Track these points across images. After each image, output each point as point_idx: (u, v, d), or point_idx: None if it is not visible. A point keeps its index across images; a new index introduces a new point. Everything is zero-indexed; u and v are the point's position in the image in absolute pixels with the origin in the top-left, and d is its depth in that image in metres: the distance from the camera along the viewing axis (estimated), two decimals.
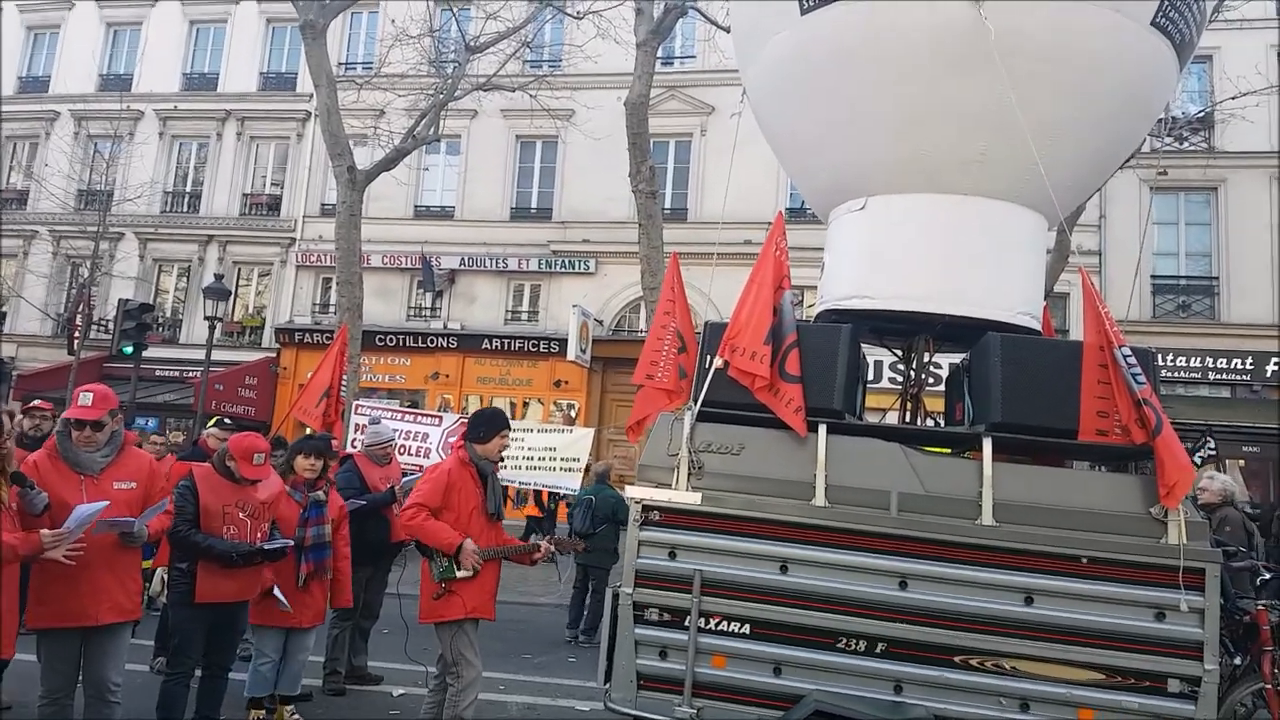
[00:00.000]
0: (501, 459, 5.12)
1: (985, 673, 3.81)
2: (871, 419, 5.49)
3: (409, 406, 16.67)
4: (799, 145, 5.16)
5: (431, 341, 20.48)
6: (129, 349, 16.36)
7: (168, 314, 22.31)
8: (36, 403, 6.24)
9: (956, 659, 3.84)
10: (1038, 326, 4.81)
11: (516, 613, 10.01)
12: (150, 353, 17.78)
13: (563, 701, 6.64)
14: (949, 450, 4.77)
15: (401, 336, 20.55)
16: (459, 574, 4.68)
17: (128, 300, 17.39)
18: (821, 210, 5.27)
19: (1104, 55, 4.42)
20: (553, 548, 5.16)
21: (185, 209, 22.86)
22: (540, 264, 20.42)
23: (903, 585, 3.93)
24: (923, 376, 5.23)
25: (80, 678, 4.32)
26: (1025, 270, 4.83)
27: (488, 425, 4.98)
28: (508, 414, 5.48)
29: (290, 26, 21.34)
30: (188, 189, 23.06)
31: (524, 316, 20.79)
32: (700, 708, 3.94)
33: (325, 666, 6.47)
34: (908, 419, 5.23)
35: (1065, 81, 4.43)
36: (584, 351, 18.64)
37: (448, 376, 20.42)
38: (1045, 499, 3.92)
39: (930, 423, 5.30)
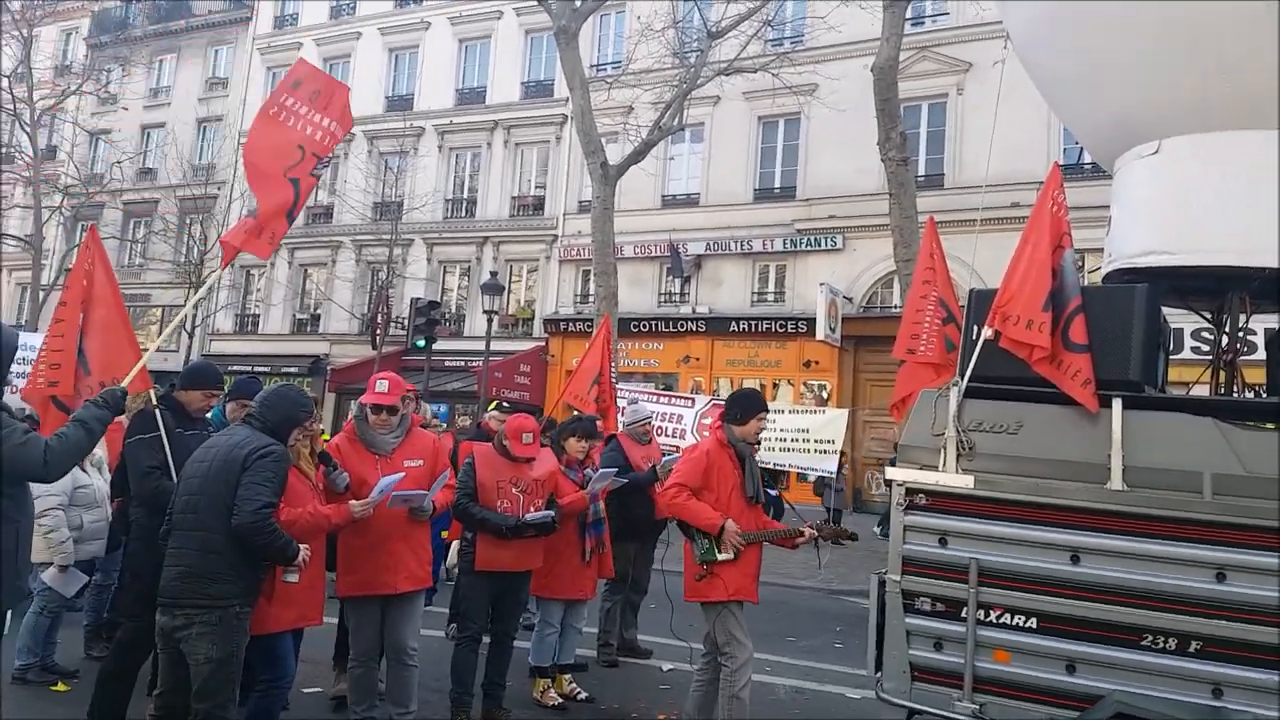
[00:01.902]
0: (759, 441, 5.03)
1: None
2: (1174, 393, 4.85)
3: (663, 390, 17.22)
4: (1075, 86, 4.62)
5: (681, 326, 20.99)
6: (421, 343, 18.28)
7: (452, 310, 24.57)
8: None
9: None
10: None
11: (777, 594, 9.98)
12: (439, 345, 19.65)
13: (830, 687, 6.51)
14: (1275, 425, 4.10)
15: (653, 322, 21.25)
16: (720, 556, 4.66)
17: (419, 299, 19.43)
18: (1104, 159, 4.71)
19: None
20: (816, 533, 4.98)
21: (463, 214, 25.12)
22: (785, 243, 20.22)
23: (1220, 577, 3.45)
24: (1237, 342, 4.53)
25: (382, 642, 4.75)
26: None
27: (744, 407, 4.90)
28: None
29: (547, 35, 22.62)
30: (464, 195, 25.32)
31: (770, 298, 20.71)
32: (982, 703, 3.70)
33: (599, 638, 6.80)
34: (1220, 391, 4.56)
35: None
36: (833, 330, 18.23)
37: (698, 360, 20.82)
38: None
39: (1250, 395, 4.59)
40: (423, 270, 24.78)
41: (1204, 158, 4.04)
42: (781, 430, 10.47)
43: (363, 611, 4.69)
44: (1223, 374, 4.57)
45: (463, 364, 22.64)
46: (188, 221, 27.42)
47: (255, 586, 3.87)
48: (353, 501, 4.27)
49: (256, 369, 24.09)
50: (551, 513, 5.28)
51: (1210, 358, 4.77)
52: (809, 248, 19.97)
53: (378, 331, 21.81)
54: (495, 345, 19.67)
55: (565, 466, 5.80)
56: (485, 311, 18.76)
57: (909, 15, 15.07)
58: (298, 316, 27.35)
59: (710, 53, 16.51)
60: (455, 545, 6.22)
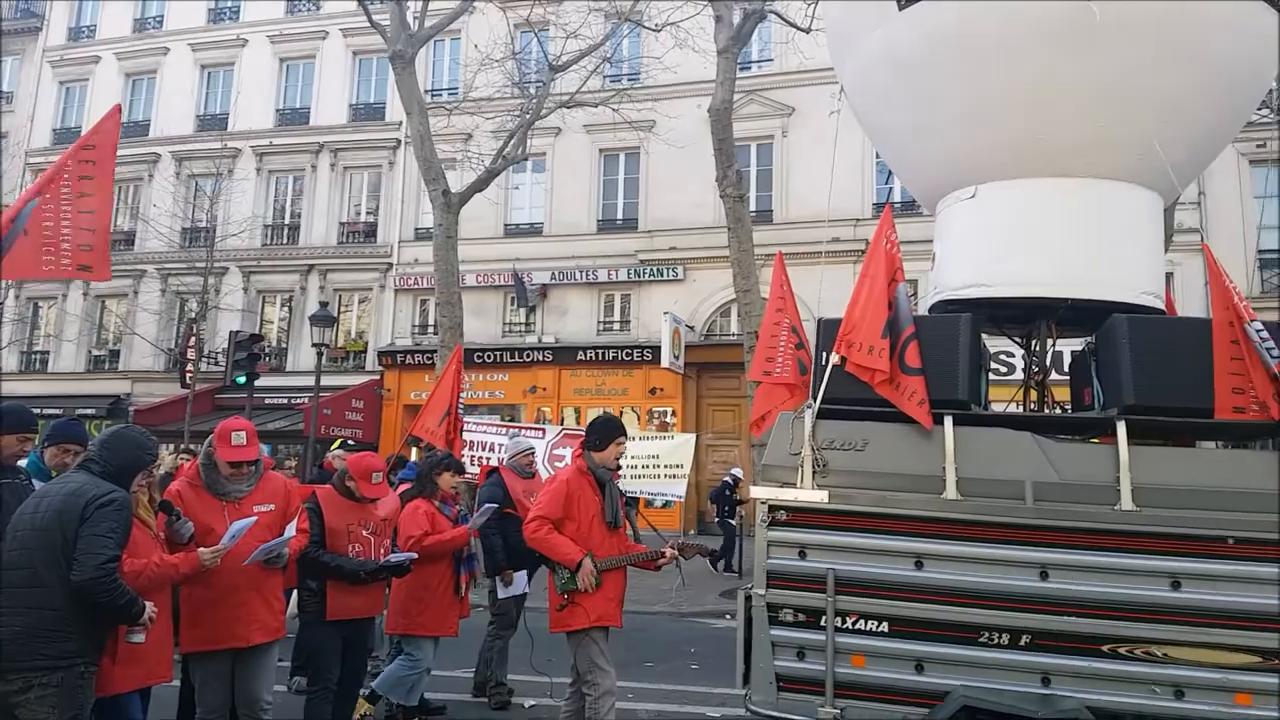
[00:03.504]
0: (619, 466, 5.12)
1: (1136, 661, 3.73)
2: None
3: (508, 421, 17.06)
4: (903, 138, 5.12)
5: (527, 356, 20.88)
6: (242, 379, 16.87)
7: (273, 343, 23.15)
8: None
9: (1104, 648, 3.76)
10: (1162, 306, 4.68)
11: (631, 621, 10.04)
12: (259, 382, 18.27)
13: (690, 708, 6.65)
14: (1083, 437, 4.65)
15: (498, 353, 20.99)
16: (580, 586, 4.71)
17: (238, 332, 18.14)
18: (927, 201, 5.21)
19: (1217, 24, 4.30)
20: (677, 553, 5.06)
21: (285, 240, 23.85)
22: (629, 274, 20.62)
23: (1044, 576, 3.87)
24: (1047, 363, 5.10)
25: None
26: (1146, 250, 4.71)
27: (603, 433, 4.98)
28: None
29: (377, 58, 22.12)
30: (286, 221, 24.05)
31: (615, 326, 21.02)
32: (843, 708, 3.93)
33: (477, 677, 6.59)
34: (1032, 408, 5.11)
35: (1180, 53, 4.30)
36: (677, 358, 18.74)
37: (545, 390, 20.77)
38: (1184, 480, 3.83)
39: (1057, 411, 5.17)
40: (239, 301, 23.25)
41: (1016, 202, 4.58)
42: (633, 457, 10.65)
43: (211, 667, 4.36)
44: (1036, 393, 5.12)
45: (286, 401, 21.45)
46: None
47: (100, 642, 3.57)
48: (201, 549, 4.01)
49: (46, 411, 21.76)
50: (414, 555, 5.16)
51: (1009, 379, 5.33)
52: (652, 278, 20.46)
53: (188, 368, 20.27)
54: (323, 380, 18.75)
55: (440, 502, 5.72)
56: (314, 344, 17.73)
57: (739, 60, 15.87)
58: (94, 353, 24.92)
59: (551, 85, 16.69)
60: (294, 594, 5.82)
